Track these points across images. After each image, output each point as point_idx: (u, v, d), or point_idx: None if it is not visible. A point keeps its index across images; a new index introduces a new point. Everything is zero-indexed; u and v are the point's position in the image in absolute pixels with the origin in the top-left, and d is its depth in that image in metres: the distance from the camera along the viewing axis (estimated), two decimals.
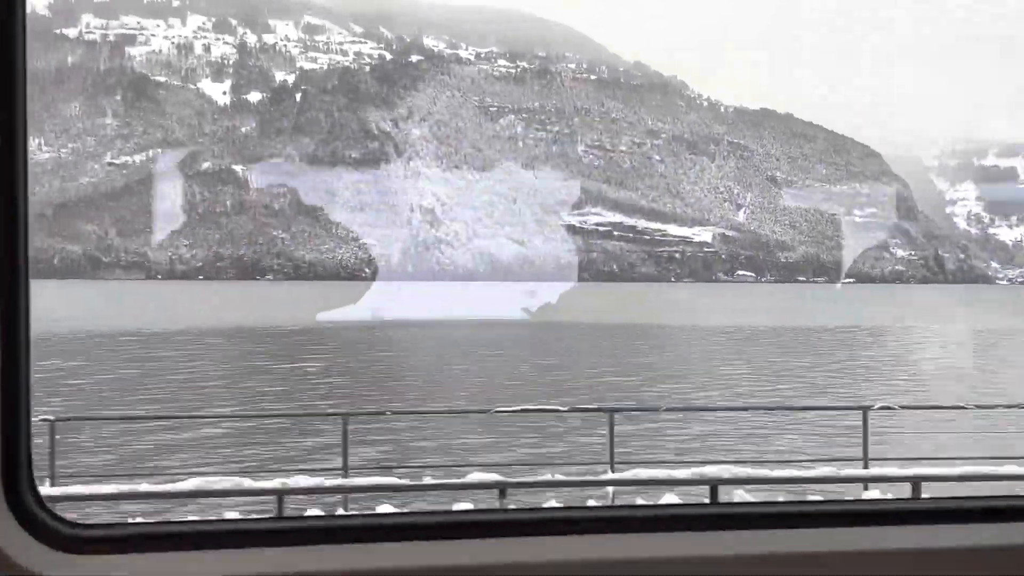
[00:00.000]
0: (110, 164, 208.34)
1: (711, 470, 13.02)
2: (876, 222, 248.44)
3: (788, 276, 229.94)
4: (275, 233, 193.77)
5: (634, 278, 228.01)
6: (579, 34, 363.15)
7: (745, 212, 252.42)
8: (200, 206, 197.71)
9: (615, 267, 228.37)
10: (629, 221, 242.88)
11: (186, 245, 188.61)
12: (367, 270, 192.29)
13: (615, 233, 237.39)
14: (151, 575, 2.53)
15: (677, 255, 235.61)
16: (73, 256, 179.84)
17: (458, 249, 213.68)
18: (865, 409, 16.78)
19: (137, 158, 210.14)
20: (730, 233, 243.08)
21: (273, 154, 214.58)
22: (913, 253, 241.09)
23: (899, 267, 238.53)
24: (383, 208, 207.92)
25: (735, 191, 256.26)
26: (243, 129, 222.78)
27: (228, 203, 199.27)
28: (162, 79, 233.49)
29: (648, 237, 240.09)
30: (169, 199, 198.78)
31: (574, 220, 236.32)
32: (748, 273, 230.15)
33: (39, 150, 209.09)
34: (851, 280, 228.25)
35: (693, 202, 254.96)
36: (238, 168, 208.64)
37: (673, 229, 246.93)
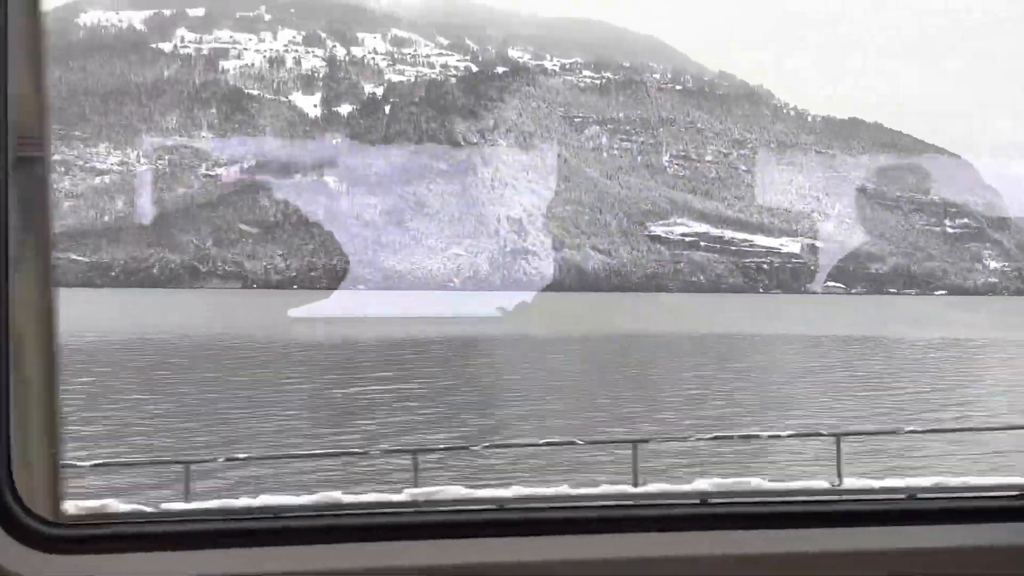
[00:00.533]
0: (205, 175, 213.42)
1: None
2: (968, 233, 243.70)
3: (878, 288, 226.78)
4: (366, 243, 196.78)
5: (721, 289, 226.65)
6: (663, 44, 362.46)
7: (833, 222, 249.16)
8: (292, 216, 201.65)
9: (702, 277, 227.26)
10: (715, 231, 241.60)
11: (280, 255, 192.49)
12: (455, 280, 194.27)
13: (701, 244, 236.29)
14: (132, 575, 2.48)
15: (765, 266, 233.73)
16: (172, 265, 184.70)
17: (544, 260, 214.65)
18: None
19: (232, 169, 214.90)
20: (818, 244, 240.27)
21: (363, 165, 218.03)
22: (1007, 265, 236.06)
23: (992, 279, 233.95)
24: (471, 218, 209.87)
25: (823, 201, 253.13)
26: (334, 141, 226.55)
27: (321, 213, 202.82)
28: (255, 92, 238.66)
29: (735, 248, 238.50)
30: (264, 209, 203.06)
31: (660, 230, 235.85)
32: (838, 284, 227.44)
33: (137, 163, 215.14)
34: (943, 292, 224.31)
35: (780, 213, 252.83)
36: (330, 179, 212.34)
37: (760, 239, 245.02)
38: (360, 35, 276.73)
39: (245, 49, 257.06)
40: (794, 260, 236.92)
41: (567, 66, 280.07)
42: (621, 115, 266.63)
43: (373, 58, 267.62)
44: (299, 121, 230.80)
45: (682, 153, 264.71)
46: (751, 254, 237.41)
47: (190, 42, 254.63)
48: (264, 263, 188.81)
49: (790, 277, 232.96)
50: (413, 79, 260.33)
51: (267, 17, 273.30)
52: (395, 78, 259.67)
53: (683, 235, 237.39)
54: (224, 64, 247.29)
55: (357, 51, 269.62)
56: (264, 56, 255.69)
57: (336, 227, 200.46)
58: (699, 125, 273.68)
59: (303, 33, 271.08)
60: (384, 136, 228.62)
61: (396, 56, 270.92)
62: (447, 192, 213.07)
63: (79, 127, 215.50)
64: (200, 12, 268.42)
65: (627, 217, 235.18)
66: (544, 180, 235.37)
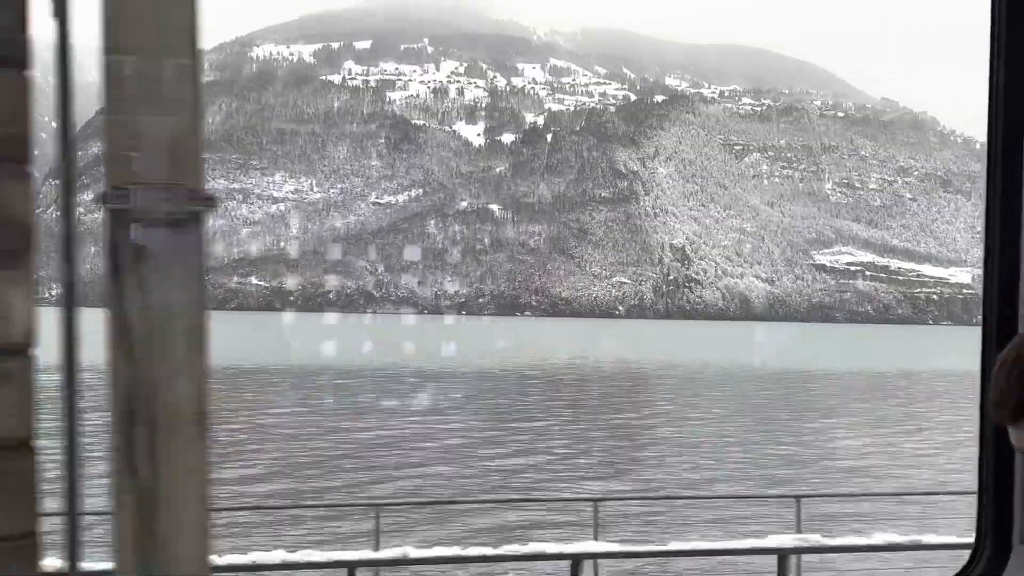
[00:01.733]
0: (375, 203, 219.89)
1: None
2: None
3: None
4: (531, 270, 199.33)
5: (888, 320, 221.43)
6: (822, 70, 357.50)
7: None
8: (460, 244, 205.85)
9: (869, 308, 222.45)
10: (881, 261, 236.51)
11: (449, 281, 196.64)
12: (620, 307, 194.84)
13: (867, 273, 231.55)
14: None
15: (935, 296, 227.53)
16: (349, 291, 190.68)
17: (707, 288, 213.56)
18: None
19: (400, 198, 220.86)
20: None
21: (527, 193, 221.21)
22: None
23: None
24: (634, 246, 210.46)
25: None
26: (497, 169, 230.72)
27: (487, 240, 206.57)
28: (420, 122, 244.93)
29: (902, 277, 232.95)
30: (431, 236, 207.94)
31: (824, 259, 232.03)
32: None
33: (311, 191, 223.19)
34: None
35: (949, 242, 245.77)
36: (494, 207, 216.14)
37: (928, 269, 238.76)
38: (520, 65, 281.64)
39: (410, 80, 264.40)
40: (965, 291, 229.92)
41: (725, 93, 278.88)
42: (782, 142, 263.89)
43: (533, 87, 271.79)
44: (464, 150, 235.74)
45: (845, 181, 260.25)
46: (919, 284, 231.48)
47: (358, 74, 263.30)
48: (434, 289, 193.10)
49: (960, 308, 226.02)
50: (573, 108, 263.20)
51: (430, 49, 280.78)
52: (555, 107, 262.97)
53: (848, 264, 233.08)
54: (391, 95, 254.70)
55: (517, 81, 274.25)
56: (428, 87, 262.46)
57: (502, 254, 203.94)
58: (863, 152, 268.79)
59: (465, 64, 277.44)
60: (547, 164, 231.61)
61: (555, 85, 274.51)
62: (610, 220, 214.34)
63: (256, 156, 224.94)
64: (367, 44, 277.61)
65: (790, 246, 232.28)
66: (705, 208, 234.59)
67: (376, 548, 11.05)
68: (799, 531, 11.79)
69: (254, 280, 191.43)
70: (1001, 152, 2.52)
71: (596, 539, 11.74)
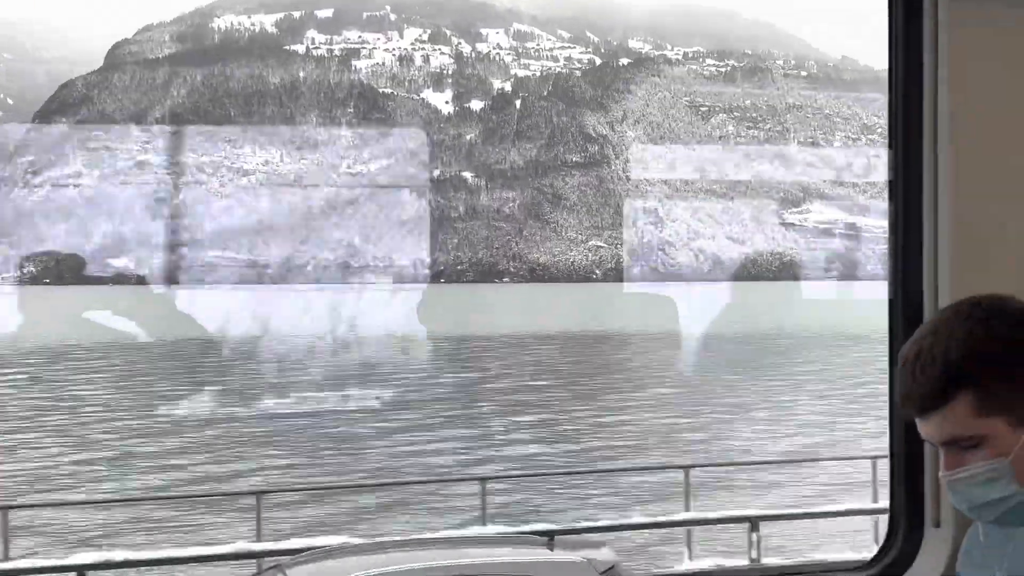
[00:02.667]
0: (347, 173, 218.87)
1: None
2: None
3: None
4: (508, 237, 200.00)
5: (858, 276, 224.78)
6: (782, 31, 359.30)
7: None
8: (435, 212, 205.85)
9: (840, 266, 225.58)
10: (849, 219, 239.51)
11: (426, 250, 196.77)
12: (597, 271, 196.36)
13: (835, 231, 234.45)
14: None
15: None
16: (325, 263, 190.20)
17: (681, 249, 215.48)
18: None
19: (372, 167, 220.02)
20: None
21: (499, 160, 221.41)
22: None
23: None
24: (608, 210, 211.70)
25: None
26: (468, 136, 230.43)
27: (461, 208, 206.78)
28: (388, 90, 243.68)
29: (870, 235, 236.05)
30: (406, 206, 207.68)
31: (793, 219, 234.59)
32: None
33: (281, 162, 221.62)
34: None
35: None
36: (467, 175, 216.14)
37: None
38: (484, 31, 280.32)
39: (374, 48, 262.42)
40: None
41: (689, 55, 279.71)
42: (747, 102, 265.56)
43: (498, 53, 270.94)
44: (434, 118, 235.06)
45: (810, 140, 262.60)
46: (887, 241, 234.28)
47: (321, 43, 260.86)
48: (412, 258, 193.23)
49: None
50: (539, 73, 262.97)
51: (392, 17, 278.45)
52: (521, 73, 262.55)
53: (816, 223, 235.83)
54: (356, 64, 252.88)
55: (482, 47, 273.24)
56: (393, 55, 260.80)
57: (477, 221, 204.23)
58: (826, 111, 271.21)
59: (428, 31, 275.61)
60: (516, 131, 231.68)
61: (520, 51, 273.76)
62: (583, 184, 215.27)
63: (224, 129, 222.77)
64: (328, 13, 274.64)
65: (759, 206, 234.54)
66: (674, 170, 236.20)
67: None
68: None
69: (231, 253, 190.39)
70: (902, 118, 2.51)
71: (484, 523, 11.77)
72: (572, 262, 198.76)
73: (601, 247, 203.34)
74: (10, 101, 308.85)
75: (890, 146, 2.53)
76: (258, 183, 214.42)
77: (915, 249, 2.49)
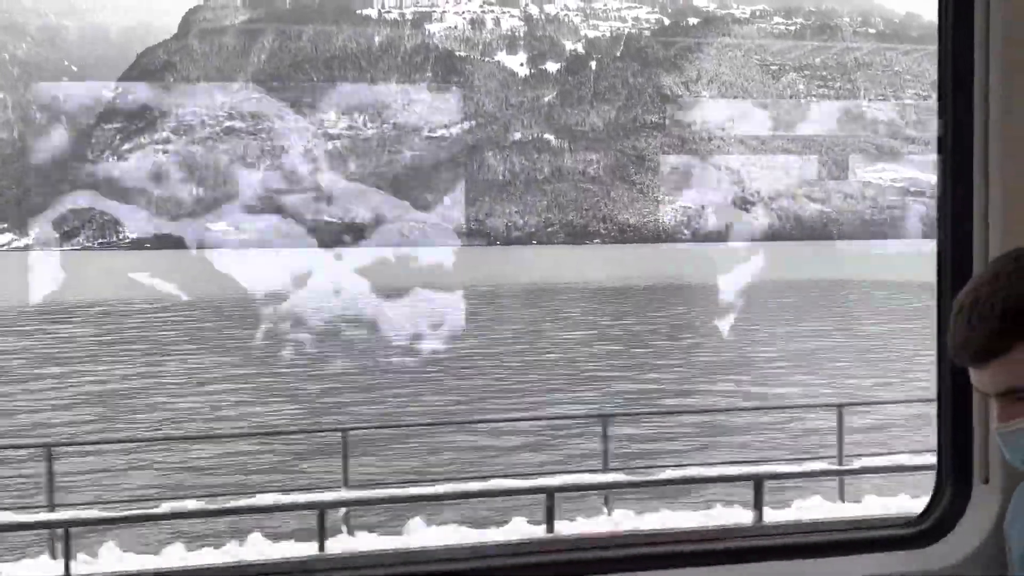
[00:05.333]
0: (428, 137, 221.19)
1: None
2: None
3: None
4: (596, 198, 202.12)
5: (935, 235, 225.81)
6: None
7: None
8: (521, 175, 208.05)
9: (920, 224, 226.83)
10: (923, 176, 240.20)
11: (516, 212, 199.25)
12: (686, 231, 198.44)
13: (911, 189, 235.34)
14: None
15: None
16: (419, 225, 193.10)
17: (762, 209, 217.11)
18: None
19: (453, 131, 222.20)
20: None
21: (579, 122, 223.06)
22: None
23: None
24: (692, 169, 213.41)
25: None
26: (546, 99, 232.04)
27: (547, 171, 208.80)
28: (463, 53, 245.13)
29: None
30: (492, 168, 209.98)
31: (869, 177, 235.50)
32: None
33: (364, 127, 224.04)
34: None
35: None
36: (550, 136, 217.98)
37: None
38: None
39: (444, 12, 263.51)
40: None
41: (757, 13, 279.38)
42: (817, 60, 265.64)
43: (567, 14, 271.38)
44: (510, 81, 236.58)
45: (881, 96, 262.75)
46: None
47: (392, 7, 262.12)
48: (504, 220, 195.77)
49: None
50: (609, 34, 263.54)
51: None
52: (591, 34, 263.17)
53: (892, 181, 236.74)
54: (429, 27, 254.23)
55: (550, 8, 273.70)
56: (464, 18, 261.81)
57: (564, 183, 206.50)
58: (896, 68, 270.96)
59: None
60: (594, 92, 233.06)
61: (588, 12, 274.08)
62: (665, 145, 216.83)
63: (309, 94, 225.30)
64: None
65: (835, 164, 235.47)
66: (750, 129, 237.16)
67: None
68: None
69: (326, 217, 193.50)
70: (952, 75, 2.54)
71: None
72: (661, 222, 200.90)
73: (688, 207, 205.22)
74: (74, 68, 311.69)
75: (939, 98, 2.59)
76: (343, 147, 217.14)
77: (965, 202, 2.49)
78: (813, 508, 12.22)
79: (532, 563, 2.51)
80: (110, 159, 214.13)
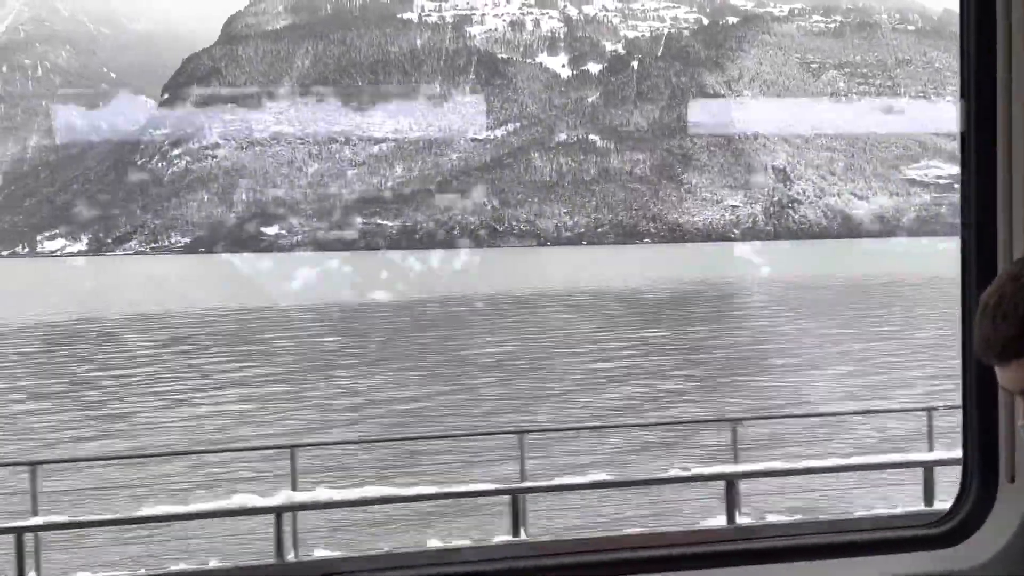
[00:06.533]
0: (474, 139, 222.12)
1: None
2: None
3: None
4: (645, 198, 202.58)
5: None
6: None
7: None
8: (567, 175, 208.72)
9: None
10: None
11: (565, 213, 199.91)
12: (736, 231, 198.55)
13: (956, 186, 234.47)
14: None
15: None
16: (472, 225, 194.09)
17: (809, 208, 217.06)
18: None
19: (498, 132, 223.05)
20: None
21: (623, 122, 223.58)
22: None
23: None
24: (739, 169, 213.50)
25: None
26: (589, 99, 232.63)
27: (593, 171, 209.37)
28: (505, 56, 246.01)
29: None
30: (538, 170, 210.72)
31: (914, 174, 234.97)
32: None
33: (410, 130, 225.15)
34: None
35: None
36: (595, 137, 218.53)
37: None
38: None
39: (484, 15, 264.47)
40: None
41: (795, 11, 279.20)
42: (857, 58, 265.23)
43: (605, 15, 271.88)
44: (553, 82, 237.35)
45: (921, 94, 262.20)
46: None
47: (431, 11, 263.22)
48: (554, 221, 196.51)
49: None
50: (648, 34, 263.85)
51: None
52: (630, 34, 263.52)
53: (937, 177, 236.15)
54: (469, 30, 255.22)
55: (588, 9, 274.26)
56: (504, 20, 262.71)
57: (612, 184, 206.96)
58: (936, 65, 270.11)
59: None
60: (637, 92, 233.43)
61: (626, 12, 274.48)
62: (711, 144, 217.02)
63: (355, 98, 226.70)
64: None
65: (880, 162, 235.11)
66: (794, 127, 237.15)
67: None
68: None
69: (378, 220, 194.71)
70: (974, 70, 2.49)
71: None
72: (709, 222, 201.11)
73: (737, 206, 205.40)
74: (113, 75, 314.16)
75: (962, 96, 2.54)
76: (389, 151, 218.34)
77: (989, 199, 2.45)
78: None
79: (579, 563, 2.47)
80: (159, 164, 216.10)
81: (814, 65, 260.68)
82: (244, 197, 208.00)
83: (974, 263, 2.49)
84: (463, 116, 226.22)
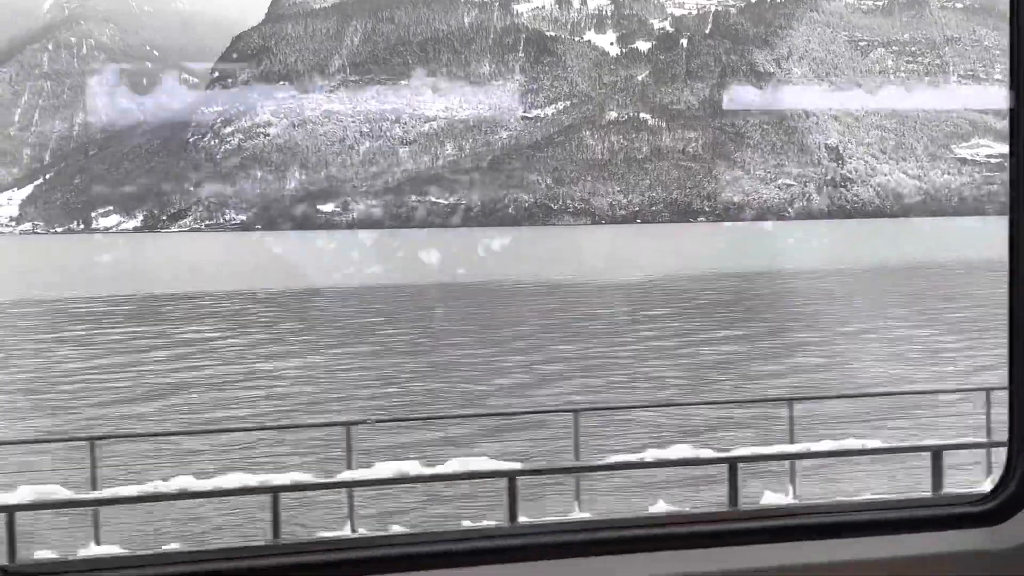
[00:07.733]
0: (524, 118, 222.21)
1: None
2: None
3: None
4: (698, 176, 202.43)
5: None
6: None
7: None
8: (619, 154, 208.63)
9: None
10: None
11: (619, 191, 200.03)
12: (790, 209, 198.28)
13: (1007, 164, 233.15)
14: None
15: None
16: (526, 204, 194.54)
17: (861, 186, 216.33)
18: None
19: (548, 111, 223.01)
20: None
21: (673, 101, 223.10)
22: None
23: None
24: (792, 147, 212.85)
25: None
26: (639, 77, 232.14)
27: (645, 149, 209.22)
28: (553, 33, 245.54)
29: None
30: (590, 148, 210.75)
31: (965, 153, 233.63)
32: None
33: (460, 108, 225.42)
34: None
35: None
36: (646, 115, 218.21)
37: None
38: None
39: None
40: None
41: None
42: (905, 36, 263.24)
43: None
44: (602, 60, 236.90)
45: (971, 72, 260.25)
46: None
47: None
48: (608, 200, 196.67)
49: None
50: (695, 12, 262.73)
51: None
52: (676, 12, 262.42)
53: (988, 156, 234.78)
54: (516, 7, 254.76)
55: None
56: None
57: (665, 162, 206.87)
58: (985, 43, 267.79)
59: None
60: (687, 70, 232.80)
61: None
62: (763, 122, 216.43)
63: (404, 76, 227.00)
64: None
65: (931, 140, 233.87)
66: (844, 105, 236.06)
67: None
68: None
69: (432, 199, 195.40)
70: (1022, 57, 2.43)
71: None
72: (764, 200, 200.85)
73: (791, 185, 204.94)
74: (156, 53, 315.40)
75: (1011, 75, 2.48)
76: (439, 128, 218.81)
77: None
78: None
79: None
80: (212, 142, 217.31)
81: (862, 43, 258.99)
82: (297, 175, 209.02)
83: (1022, 246, 2.47)
84: (512, 94, 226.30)
